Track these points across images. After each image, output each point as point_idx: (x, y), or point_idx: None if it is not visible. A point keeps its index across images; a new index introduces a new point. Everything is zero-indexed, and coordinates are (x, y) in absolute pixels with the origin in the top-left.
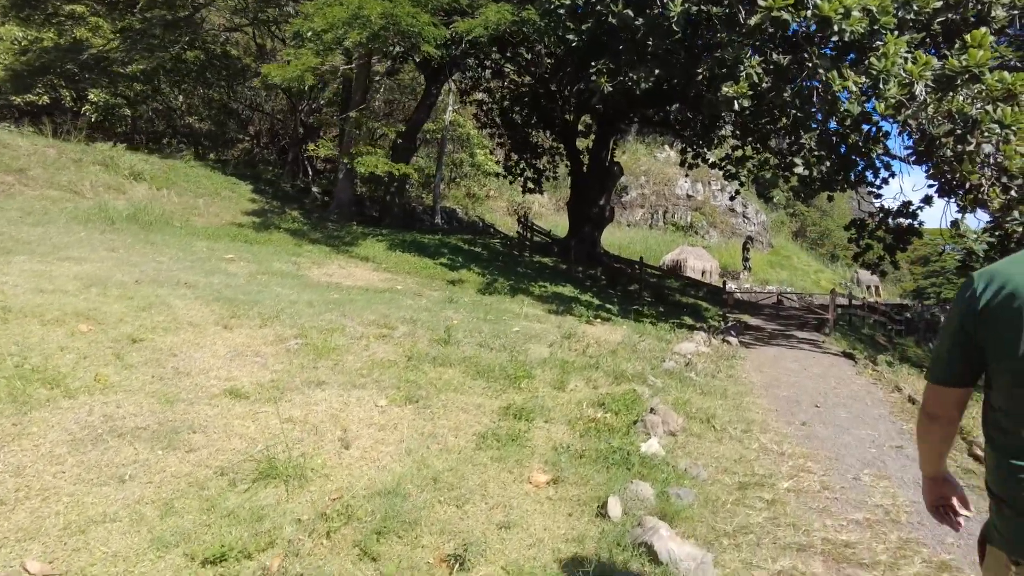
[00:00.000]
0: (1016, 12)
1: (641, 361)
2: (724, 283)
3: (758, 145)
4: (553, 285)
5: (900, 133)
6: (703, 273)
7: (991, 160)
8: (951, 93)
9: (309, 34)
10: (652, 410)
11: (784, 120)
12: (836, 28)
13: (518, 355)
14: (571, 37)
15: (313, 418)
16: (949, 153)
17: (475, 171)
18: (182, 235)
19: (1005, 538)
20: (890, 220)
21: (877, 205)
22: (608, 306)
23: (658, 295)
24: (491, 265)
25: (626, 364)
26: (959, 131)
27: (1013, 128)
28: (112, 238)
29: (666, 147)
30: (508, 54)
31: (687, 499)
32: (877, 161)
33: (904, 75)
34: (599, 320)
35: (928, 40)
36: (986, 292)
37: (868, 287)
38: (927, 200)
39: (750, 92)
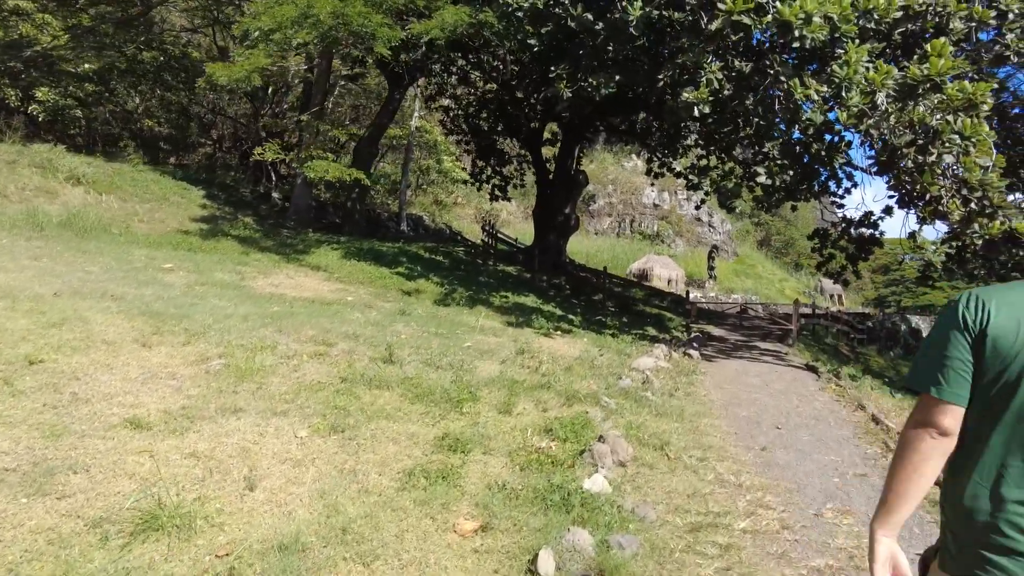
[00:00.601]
0: (973, 24)
1: (597, 379)
2: (687, 293)
3: (723, 155)
4: (515, 295)
5: (862, 144)
6: (669, 282)
7: (951, 171)
8: (912, 103)
9: (256, 33)
10: (602, 438)
11: (748, 129)
12: (797, 34)
13: (465, 374)
14: (532, 42)
15: (221, 453)
16: (910, 164)
17: (442, 178)
18: (120, 243)
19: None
20: (852, 230)
21: (840, 215)
22: (570, 317)
23: (622, 305)
24: (451, 274)
25: (580, 383)
26: (920, 141)
27: (972, 140)
28: (39, 246)
29: (633, 156)
30: (472, 59)
31: (630, 549)
32: (840, 172)
33: (866, 83)
34: (559, 332)
35: (888, 51)
36: (999, 318)
37: (831, 295)
38: (887, 211)
39: (711, 98)
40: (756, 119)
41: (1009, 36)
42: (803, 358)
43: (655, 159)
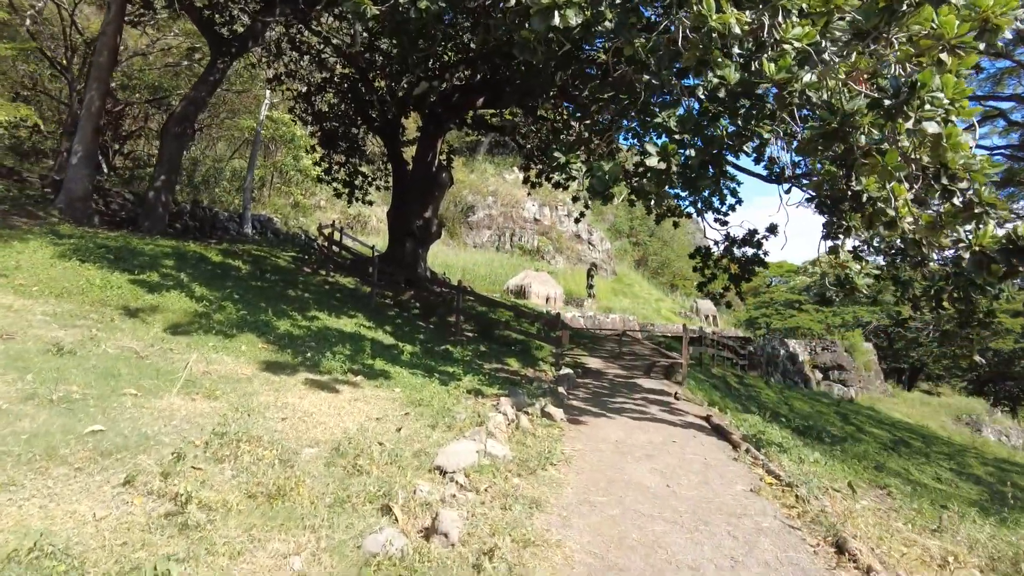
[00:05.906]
0: None
1: (330, 520)
2: (558, 315)
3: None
4: (333, 317)
5: (778, 126)
6: (548, 299)
7: (930, 146)
8: (872, 44)
9: None
10: None
11: (637, 85)
12: None
13: None
14: None
15: None
16: (862, 139)
17: (302, 177)
18: None
19: None
20: (735, 249)
21: (723, 233)
22: (401, 346)
23: (484, 329)
24: (240, 287)
25: (259, 545)
26: (888, 102)
27: (956, 104)
28: None
29: (515, 168)
30: (316, 27)
31: None
32: (724, 187)
33: (808, 7)
34: (360, 378)
35: None
36: None
37: (707, 316)
38: (772, 229)
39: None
40: (648, 76)
41: None
42: (697, 398)
43: (532, 166)
